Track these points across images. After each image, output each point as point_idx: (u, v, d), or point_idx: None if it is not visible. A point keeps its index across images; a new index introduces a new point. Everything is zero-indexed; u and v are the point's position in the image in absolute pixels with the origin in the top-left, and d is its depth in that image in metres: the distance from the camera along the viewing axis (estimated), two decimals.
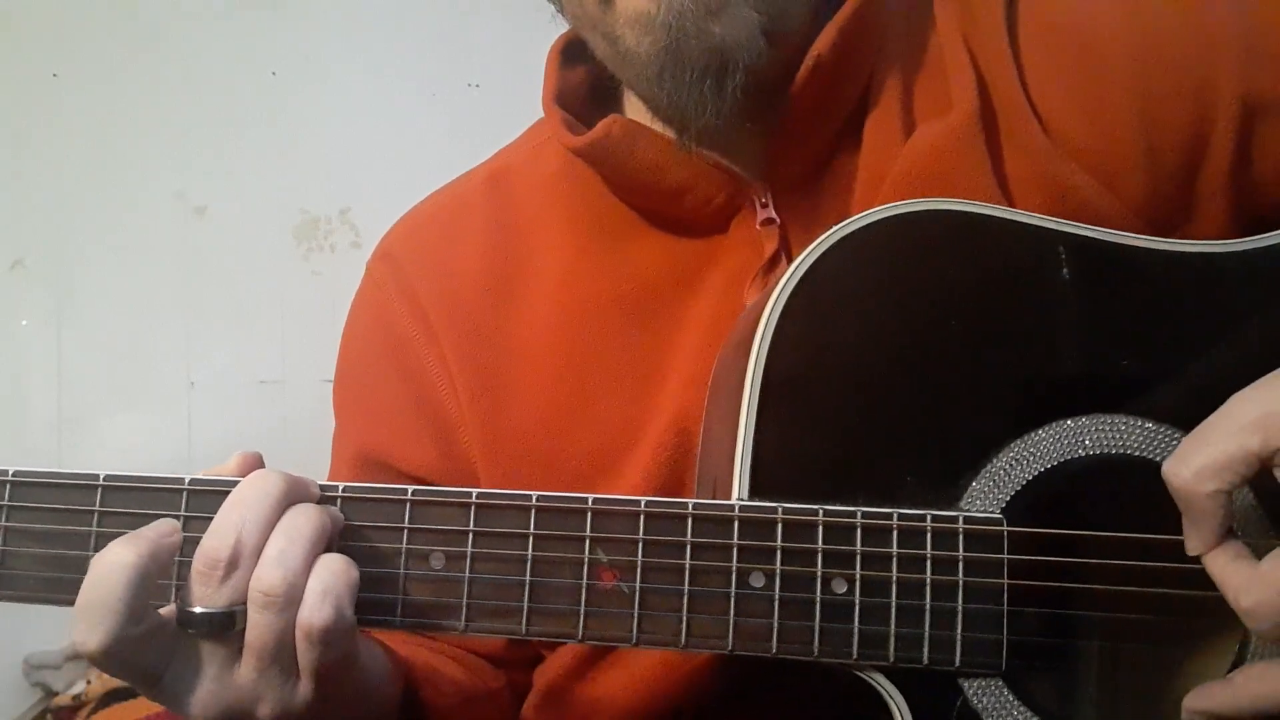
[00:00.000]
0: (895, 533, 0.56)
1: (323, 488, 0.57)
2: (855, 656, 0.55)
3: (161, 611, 0.53)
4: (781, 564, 0.56)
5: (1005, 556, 0.56)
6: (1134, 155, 0.67)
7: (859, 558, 0.56)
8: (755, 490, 0.57)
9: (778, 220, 0.71)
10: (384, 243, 0.84)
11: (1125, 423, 0.57)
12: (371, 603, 0.56)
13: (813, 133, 0.71)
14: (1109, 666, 0.58)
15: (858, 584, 0.56)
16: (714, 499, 0.60)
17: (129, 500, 0.57)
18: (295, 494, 0.55)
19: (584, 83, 0.79)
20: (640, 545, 0.56)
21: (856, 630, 0.55)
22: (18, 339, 1.62)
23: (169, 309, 1.63)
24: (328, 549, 0.55)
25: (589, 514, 0.56)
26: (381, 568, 0.56)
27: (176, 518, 0.56)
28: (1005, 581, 0.56)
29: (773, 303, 0.58)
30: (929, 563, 0.56)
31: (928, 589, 0.56)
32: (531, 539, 0.56)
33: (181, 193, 1.64)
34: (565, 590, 0.56)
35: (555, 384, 0.73)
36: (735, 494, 0.57)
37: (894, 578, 0.56)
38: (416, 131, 1.65)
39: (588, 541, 0.56)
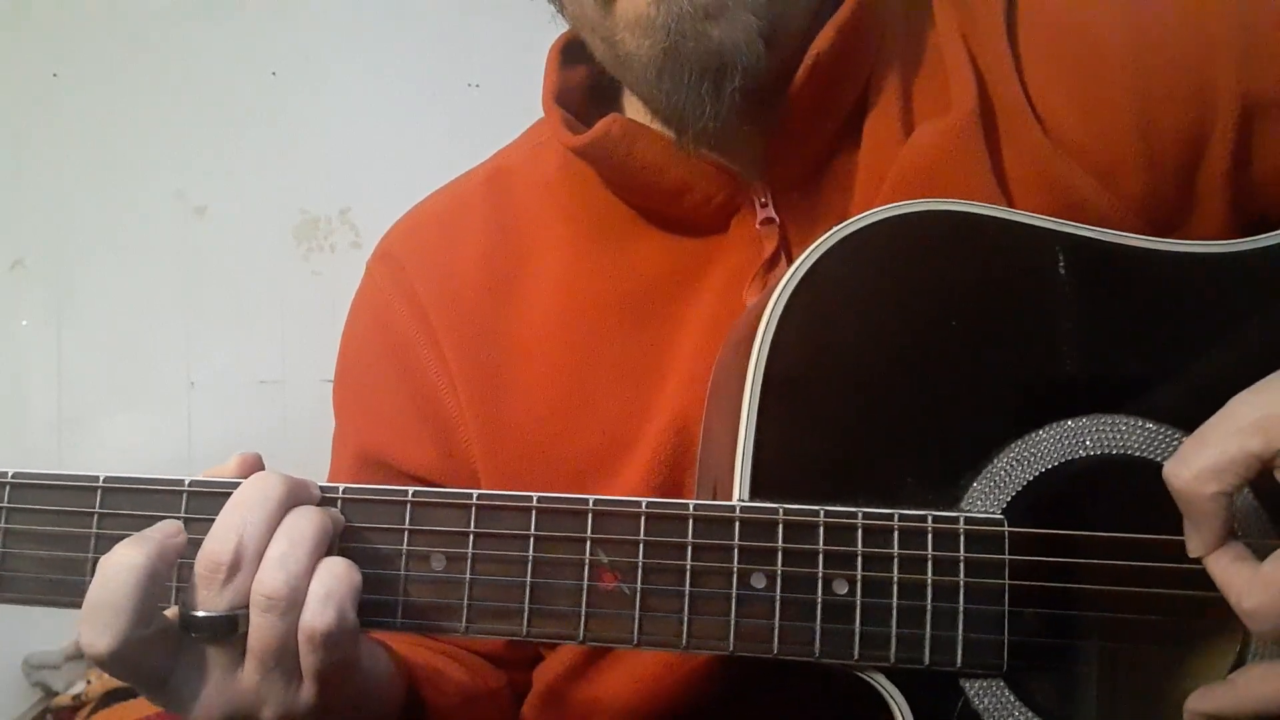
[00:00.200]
0: (896, 533, 0.56)
1: (323, 489, 0.57)
2: (856, 657, 0.55)
3: (164, 614, 0.53)
4: (782, 565, 0.55)
5: (1006, 557, 0.56)
6: (1133, 155, 0.67)
7: (860, 558, 0.56)
8: (756, 491, 0.57)
9: (777, 220, 0.71)
10: (384, 243, 0.84)
11: (1126, 423, 0.57)
12: (372, 604, 0.56)
13: (812, 132, 0.71)
14: (1110, 667, 0.58)
15: (859, 585, 0.56)
16: (714, 499, 0.60)
17: (129, 502, 0.57)
18: (296, 496, 0.55)
19: (584, 82, 0.79)
20: (641, 546, 0.56)
21: (857, 631, 0.55)
22: (18, 339, 1.62)
23: (169, 309, 1.63)
24: (329, 551, 0.54)
25: (590, 515, 0.56)
26: (382, 569, 0.56)
27: (177, 519, 0.55)
28: (1006, 582, 0.56)
29: (773, 303, 0.58)
30: (930, 563, 0.56)
31: (929, 590, 0.56)
32: (532, 540, 0.56)
33: (181, 193, 1.64)
34: (566, 591, 0.56)
35: (555, 383, 0.73)
36: (736, 495, 0.57)
37: (895, 578, 0.56)
38: (416, 131, 1.65)
39: (588, 543, 0.56)
